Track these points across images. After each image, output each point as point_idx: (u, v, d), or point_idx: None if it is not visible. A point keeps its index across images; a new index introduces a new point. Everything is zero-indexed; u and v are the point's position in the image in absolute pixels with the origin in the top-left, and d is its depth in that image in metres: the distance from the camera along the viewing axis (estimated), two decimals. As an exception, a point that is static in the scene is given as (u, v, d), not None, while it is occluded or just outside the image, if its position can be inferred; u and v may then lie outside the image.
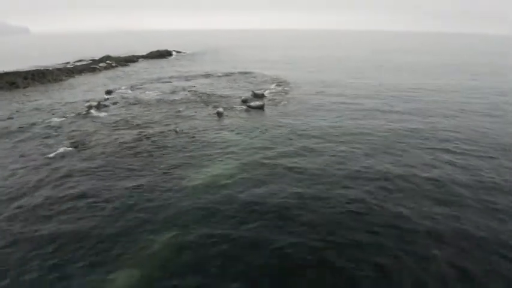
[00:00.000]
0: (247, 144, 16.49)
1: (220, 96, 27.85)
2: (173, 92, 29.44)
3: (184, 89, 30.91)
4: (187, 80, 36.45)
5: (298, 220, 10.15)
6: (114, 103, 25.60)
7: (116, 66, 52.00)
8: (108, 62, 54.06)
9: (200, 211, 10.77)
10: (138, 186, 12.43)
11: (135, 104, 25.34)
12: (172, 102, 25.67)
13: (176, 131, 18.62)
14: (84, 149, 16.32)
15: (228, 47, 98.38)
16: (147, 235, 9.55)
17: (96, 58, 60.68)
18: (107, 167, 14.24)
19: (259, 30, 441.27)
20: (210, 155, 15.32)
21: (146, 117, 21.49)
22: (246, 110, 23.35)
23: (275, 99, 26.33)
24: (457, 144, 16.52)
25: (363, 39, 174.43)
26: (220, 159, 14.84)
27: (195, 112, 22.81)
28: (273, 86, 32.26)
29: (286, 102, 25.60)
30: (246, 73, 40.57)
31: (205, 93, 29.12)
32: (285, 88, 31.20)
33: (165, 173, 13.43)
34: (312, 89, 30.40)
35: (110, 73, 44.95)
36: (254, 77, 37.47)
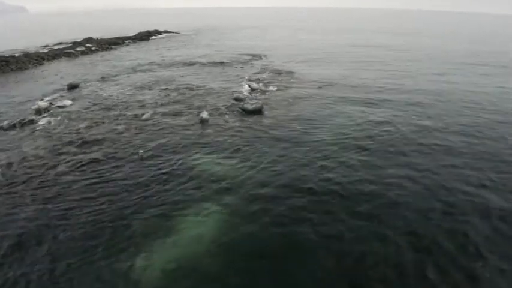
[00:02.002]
0: (240, 180, 11.06)
1: (208, 91, 22.12)
2: (149, 87, 23.65)
3: (164, 82, 25.11)
4: (171, 68, 30.47)
5: None
6: (70, 104, 19.95)
7: (97, 50, 45.81)
8: (87, 45, 47.82)
9: None
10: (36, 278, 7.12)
11: (96, 105, 19.69)
12: (144, 103, 19.97)
13: (140, 155, 13.15)
14: (-8, 190, 10.90)
15: (227, 27, 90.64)
16: None
17: (79, 40, 54.42)
18: None
19: (264, 8, 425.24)
20: (182, 202, 9.96)
21: (103, 129, 15.92)
22: (240, 114, 17.76)
23: (277, 97, 20.62)
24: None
25: (355, 16, 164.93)
26: (196, 212, 9.48)
27: (172, 119, 17.21)
28: (273, 76, 26.38)
29: (290, 101, 19.91)
30: (242, 59, 34.44)
31: (190, 87, 23.38)
32: (290, 79, 25.39)
33: (92, 252, 8.05)
34: (320, 82, 24.57)
35: (86, 59, 38.95)
36: (251, 65, 31.46)
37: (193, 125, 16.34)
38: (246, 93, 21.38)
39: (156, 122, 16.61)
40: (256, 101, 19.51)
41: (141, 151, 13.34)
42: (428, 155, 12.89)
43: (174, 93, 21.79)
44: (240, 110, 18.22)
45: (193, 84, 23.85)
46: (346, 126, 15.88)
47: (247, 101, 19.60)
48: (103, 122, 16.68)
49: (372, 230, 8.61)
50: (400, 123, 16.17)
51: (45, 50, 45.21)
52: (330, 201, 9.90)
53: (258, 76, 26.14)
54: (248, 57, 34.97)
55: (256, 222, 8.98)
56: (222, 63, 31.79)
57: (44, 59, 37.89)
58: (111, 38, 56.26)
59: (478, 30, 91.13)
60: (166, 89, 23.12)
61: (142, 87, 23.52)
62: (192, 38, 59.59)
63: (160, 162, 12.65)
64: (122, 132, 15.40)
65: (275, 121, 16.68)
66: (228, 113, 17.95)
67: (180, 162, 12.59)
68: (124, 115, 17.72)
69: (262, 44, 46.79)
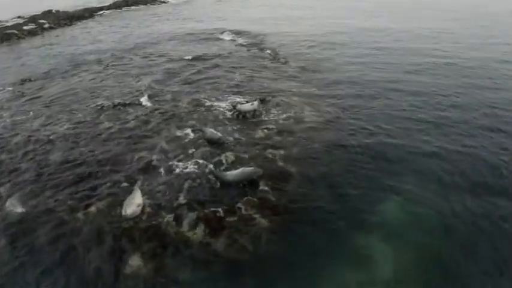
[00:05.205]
0: None
1: (161, 122, 12.90)
2: (72, 110, 14.40)
3: (102, 94, 15.81)
4: (128, 62, 20.80)
5: None
6: None
7: (50, 28, 35.93)
8: (41, 21, 37.70)
9: None
10: None
11: None
12: (35, 163, 10.84)
13: None
14: None
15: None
16: None
17: (40, 13, 44.15)
18: None
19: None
20: None
21: None
22: (212, 190, 8.88)
23: (282, 137, 11.43)
24: None
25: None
26: None
27: (57, 220, 8.35)
28: (277, 84, 16.95)
29: (309, 148, 10.84)
30: (234, 49, 24.40)
31: (132, 109, 14.09)
32: (303, 90, 15.95)
33: None
34: (347, 94, 15.14)
35: (28, 43, 29.57)
36: (246, 59, 21.65)
37: (103, 241, 7.50)
38: (227, 126, 12.17)
39: (17, 244, 7.75)
40: (243, 149, 10.48)
41: None
42: None
43: (104, 124, 12.66)
44: (213, 176, 9.25)
45: (142, 106, 14.38)
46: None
47: (228, 147, 10.60)
48: None
49: None
50: None
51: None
52: None
53: (251, 85, 16.51)
54: (244, 44, 24.58)
55: None
56: (203, 55, 21.52)
57: (-30, 45, 28.35)
58: (77, 10, 45.79)
59: None
60: (99, 109, 14.01)
61: (59, 113, 14.26)
62: (180, 9, 48.32)
63: None
64: None
65: (285, 226, 7.80)
66: (187, 187, 8.99)
67: None
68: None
69: (267, 22, 34.39)
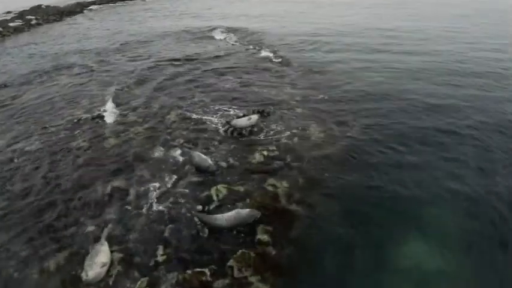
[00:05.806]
0: None
1: (150, 142, 11.13)
2: (44, 124, 12.62)
3: (81, 101, 14.01)
4: (113, 69, 18.92)
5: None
6: None
7: (38, 24, 34.05)
8: (28, 17, 35.77)
9: None
10: None
11: None
12: None
13: None
14: None
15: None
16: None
17: (28, 9, 42.15)
18: None
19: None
20: None
21: None
22: (193, 238, 7.16)
23: (285, 167, 9.67)
24: None
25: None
26: None
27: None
28: (277, 91, 15.20)
29: (311, 176, 9.10)
30: (230, 47, 22.56)
31: (102, 130, 12.33)
32: (302, 98, 14.17)
33: None
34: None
35: (13, 42, 27.83)
36: (241, 63, 19.81)
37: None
38: (219, 146, 10.39)
39: None
40: (238, 179, 8.75)
41: None
42: None
43: (78, 142, 10.87)
44: (199, 221, 7.52)
45: (122, 119, 12.55)
46: None
47: (219, 177, 8.87)
48: None
49: None
50: None
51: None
52: None
53: (248, 93, 14.76)
54: (242, 43, 22.68)
55: None
56: (196, 57, 19.51)
57: (-51, 44, 26.48)
58: (68, 5, 43.79)
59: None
60: (75, 122, 12.26)
61: (30, 127, 12.53)
62: (177, 4, 46.13)
63: None
64: None
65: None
66: (167, 235, 7.28)
67: None
68: None
69: (267, 18, 32.38)
